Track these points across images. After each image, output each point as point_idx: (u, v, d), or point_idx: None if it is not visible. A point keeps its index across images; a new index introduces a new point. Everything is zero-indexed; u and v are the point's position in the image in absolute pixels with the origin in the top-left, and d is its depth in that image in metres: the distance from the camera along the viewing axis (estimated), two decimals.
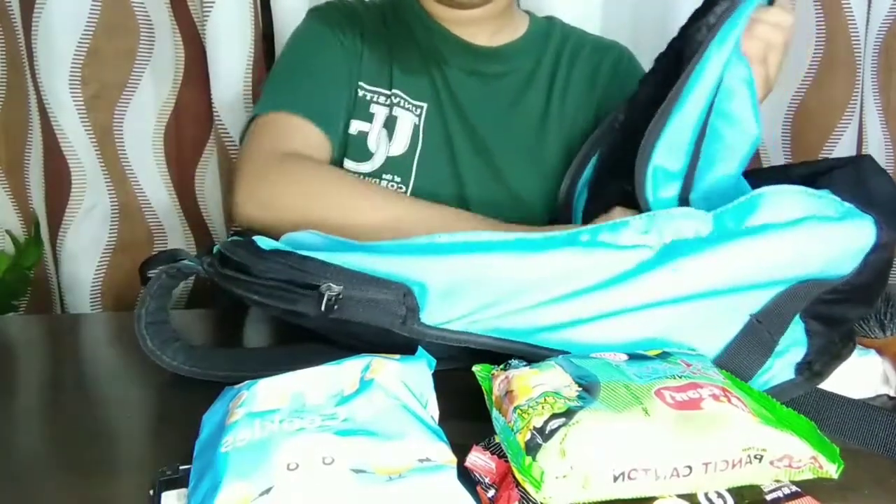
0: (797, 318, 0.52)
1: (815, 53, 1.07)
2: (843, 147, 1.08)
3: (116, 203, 1.09)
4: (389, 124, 0.83)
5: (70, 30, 1.00)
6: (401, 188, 0.82)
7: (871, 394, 0.53)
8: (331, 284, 0.48)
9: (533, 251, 0.50)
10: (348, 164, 0.83)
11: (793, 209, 0.49)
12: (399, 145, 0.83)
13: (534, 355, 0.49)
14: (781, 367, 0.51)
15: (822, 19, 1.05)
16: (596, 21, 1.07)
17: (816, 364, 0.52)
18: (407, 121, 0.84)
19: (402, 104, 0.84)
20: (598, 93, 0.89)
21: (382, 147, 0.83)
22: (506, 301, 0.49)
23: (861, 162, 0.59)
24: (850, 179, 0.58)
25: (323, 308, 0.47)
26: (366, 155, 0.83)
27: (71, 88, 1.01)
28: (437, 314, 0.49)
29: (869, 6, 1.06)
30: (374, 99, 0.84)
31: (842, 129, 1.08)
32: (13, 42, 1.03)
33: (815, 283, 0.50)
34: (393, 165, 0.82)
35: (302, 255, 0.50)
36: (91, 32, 1.01)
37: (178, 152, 1.11)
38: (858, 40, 1.05)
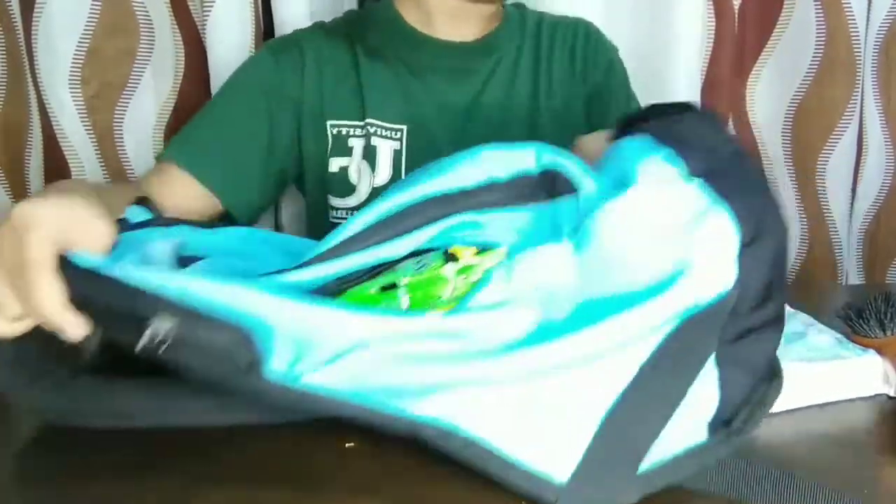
0: (713, 363, 0.42)
1: (815, 53, 1.07)
2: (843, 147, 1.08)
3: None
4: (369, 155, 0.82)
5: (70, 30, 1.00)
6: None
7: (870, 393, 0.53)
8: (159, 323, 0.38)
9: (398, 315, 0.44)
10: (333, 200, 0.82)
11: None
12: (382, 175, 0.82)
13: (400, 430, 0.40)
14: (691, 426, 0.42)
15: (822, 19, 1.05)
16: (597, 16, 1.06)
17: (737, 420, 0.43)
18: (386, 148, 0.82)
19: (378, 132, 0.82)
20: (580, 79, 0.87)
21: (366, 179, 0.81)
22: (374, 359, 0.40)
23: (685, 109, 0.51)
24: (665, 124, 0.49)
25: (144, 346, 0.38)
26: (349, 189, 0.82)
27: (71, 88, 1.01)
28: (287, 362, 0.39)
29: (869, 6, 1.06)
30: (350, 133, 0.82)
31: (842, 129, 1.08)
32: (13, 42, 1.03)
33: (702, 318, 0.41)
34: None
35: (123, 282, 0.40)
36: (91, 32, 1.01)
37: None
38: (858, 40, 1.05)
